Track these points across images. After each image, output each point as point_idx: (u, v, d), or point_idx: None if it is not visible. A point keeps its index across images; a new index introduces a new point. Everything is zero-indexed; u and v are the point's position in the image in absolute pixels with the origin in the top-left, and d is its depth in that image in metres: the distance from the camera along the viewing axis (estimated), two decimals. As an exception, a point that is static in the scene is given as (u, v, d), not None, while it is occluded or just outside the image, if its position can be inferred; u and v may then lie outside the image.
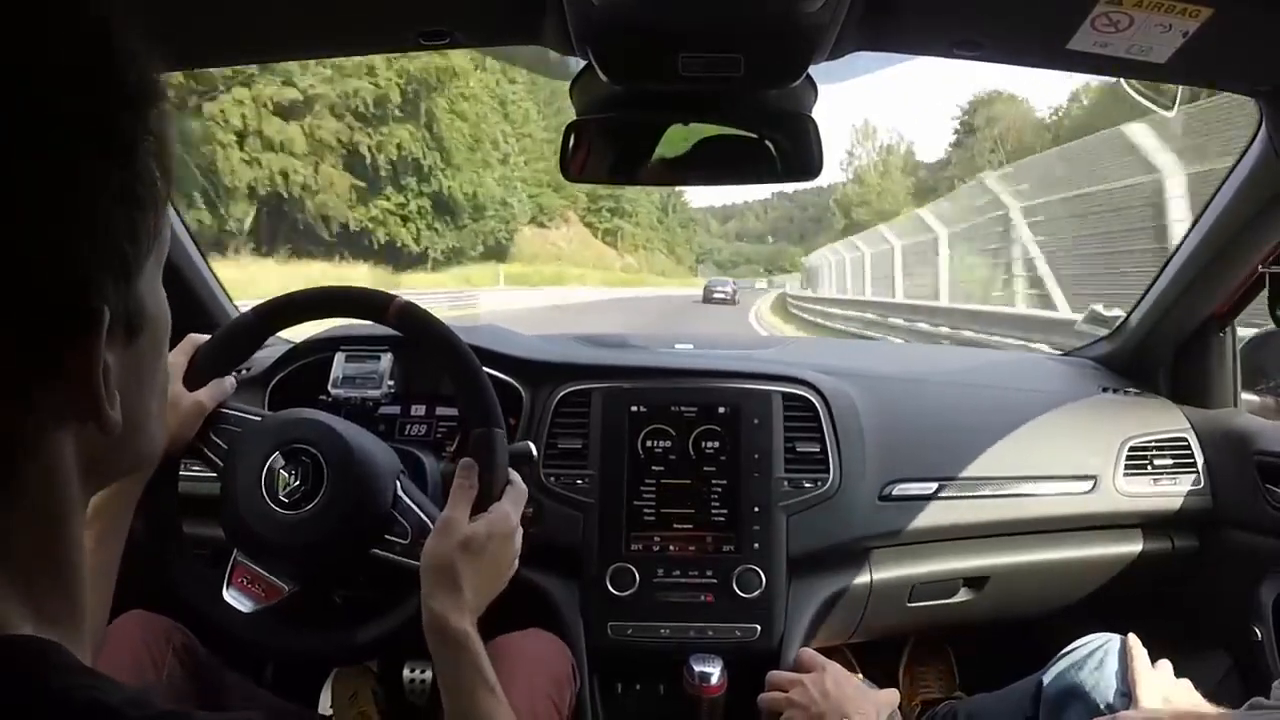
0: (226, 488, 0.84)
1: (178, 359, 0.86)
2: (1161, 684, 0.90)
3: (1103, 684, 0.92)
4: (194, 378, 0.86)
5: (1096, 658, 0.96)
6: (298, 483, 0.82)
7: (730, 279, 41.66)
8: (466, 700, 0.71)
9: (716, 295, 29.21)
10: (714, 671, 1.05)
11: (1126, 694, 0.90)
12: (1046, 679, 0.98)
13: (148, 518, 0.83)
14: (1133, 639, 0.96)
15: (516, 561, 0.80)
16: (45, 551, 0.36)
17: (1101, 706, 0.90)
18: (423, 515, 0.84)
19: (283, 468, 0.82)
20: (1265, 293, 1.16)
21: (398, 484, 0.86)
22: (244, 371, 1.30)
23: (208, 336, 0.89)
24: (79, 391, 0.34)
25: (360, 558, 0.83)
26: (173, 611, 0.95)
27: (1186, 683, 0.91)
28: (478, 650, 0.72)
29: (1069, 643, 1.02)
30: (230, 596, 0.84)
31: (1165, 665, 0.93)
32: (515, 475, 0.83)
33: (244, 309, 0.97)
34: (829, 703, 0.96)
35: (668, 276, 66.54)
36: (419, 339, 0.88)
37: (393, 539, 0.83)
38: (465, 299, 18.60)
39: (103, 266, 0.34)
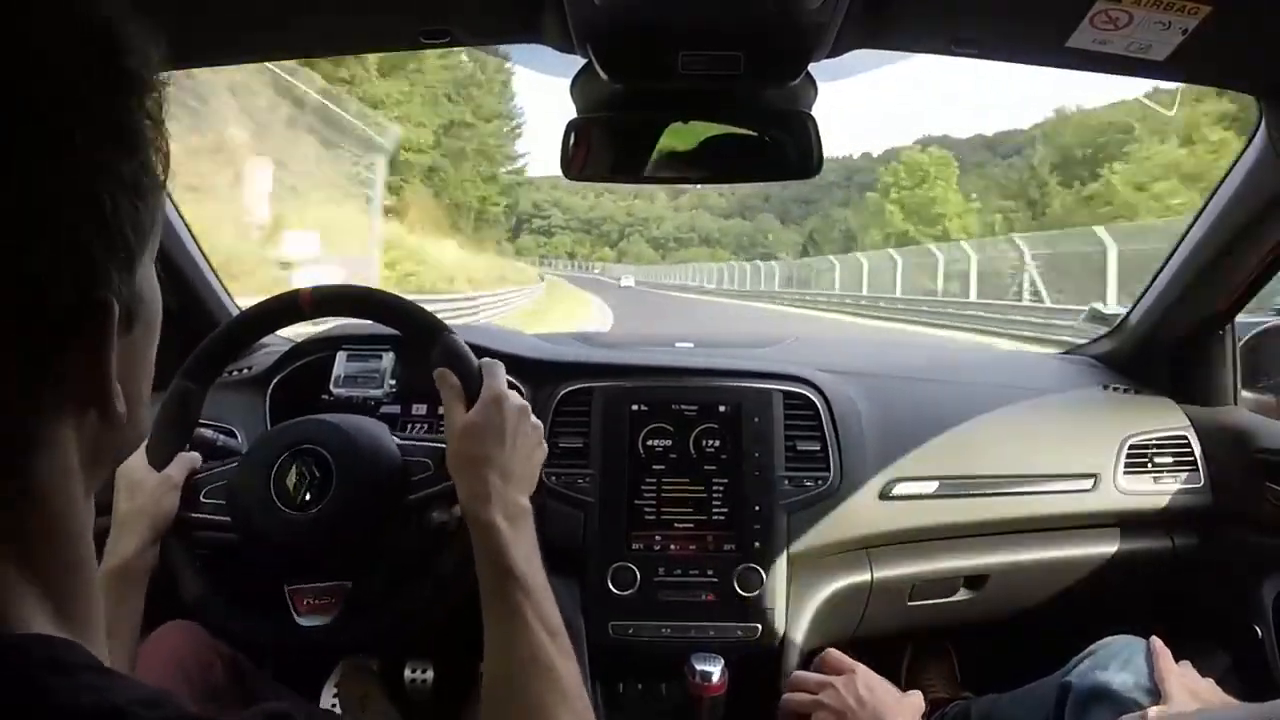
0: (242, 525, 0.83)
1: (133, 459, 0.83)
2: (1189, 682, 0.89)
3: (1131, 683, 0.91)
4: (156, 466, 0.84)
5: (1122, 658, 0.94)
6: (308, 479, 0.82)
7: None
8: (489, 590, 0.68)
9: None
10: (715, 670, 1.05)
11: (1154, 692, 0.89)
12: (1073, 679, 0.96)
13: (180, 596, 0.83)
14: (1157, 640, 0.95)
15: (531, 419, 0.77)
16: (58, 547, 0.36)
17: (1130, 705, 0.89)
18: (431, 444, 0.85)
19: (288, 475, 0.82)
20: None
21: (394, 437, 0.87)
22: (244, 371, 1.30)
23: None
24: (88, 384, 0.34)
25: (398, 514, 0.84)
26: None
27: (1211, 681, 0.91)
28: (501, 543, 0.68)
29: (1070, 641, 1.02)
30: (306, 622, 0.83)
31: (1188, 665, 0.93)
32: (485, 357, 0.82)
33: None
34: (865, 710, 0.93)
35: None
36: (344, 311, 0.88)
37: (420, 478, 0.84)
38: None
39: (110, 259, 0.34)
